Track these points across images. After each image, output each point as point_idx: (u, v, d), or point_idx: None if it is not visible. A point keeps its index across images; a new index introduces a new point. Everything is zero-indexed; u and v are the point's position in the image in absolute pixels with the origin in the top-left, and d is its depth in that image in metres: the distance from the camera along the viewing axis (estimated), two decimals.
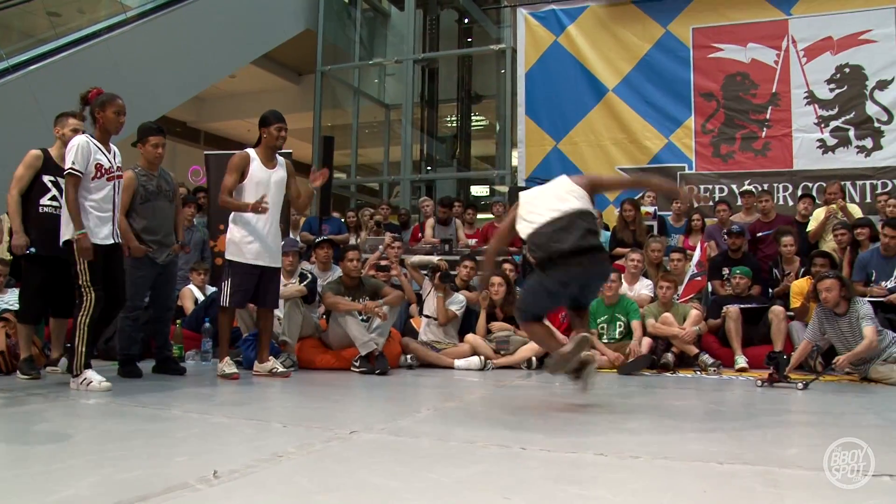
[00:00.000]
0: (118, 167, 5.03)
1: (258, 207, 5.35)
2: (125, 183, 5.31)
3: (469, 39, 17.05)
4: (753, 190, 9.68)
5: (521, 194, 4.48)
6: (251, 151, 5.60)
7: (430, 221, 10.17)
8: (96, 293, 4.78)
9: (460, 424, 3.79)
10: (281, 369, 5.67)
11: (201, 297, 7.65)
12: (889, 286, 7.00)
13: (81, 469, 2.58)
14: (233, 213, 5.57)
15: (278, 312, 6.35)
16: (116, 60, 10.53)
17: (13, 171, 5.31)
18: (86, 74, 9.80)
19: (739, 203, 9.29)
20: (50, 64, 9.89)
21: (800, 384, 5.40)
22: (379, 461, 2.79)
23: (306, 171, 15.46)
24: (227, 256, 5.56)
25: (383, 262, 8.20)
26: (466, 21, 16.94)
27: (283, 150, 5.96)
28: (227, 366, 5.49)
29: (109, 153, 4.98)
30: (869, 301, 6.57)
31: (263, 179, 5.53)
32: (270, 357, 5.75)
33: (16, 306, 5.76)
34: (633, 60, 11.82)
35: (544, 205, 4.21)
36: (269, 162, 5.62)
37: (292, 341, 6.29)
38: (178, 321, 6.83)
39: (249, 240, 5.48)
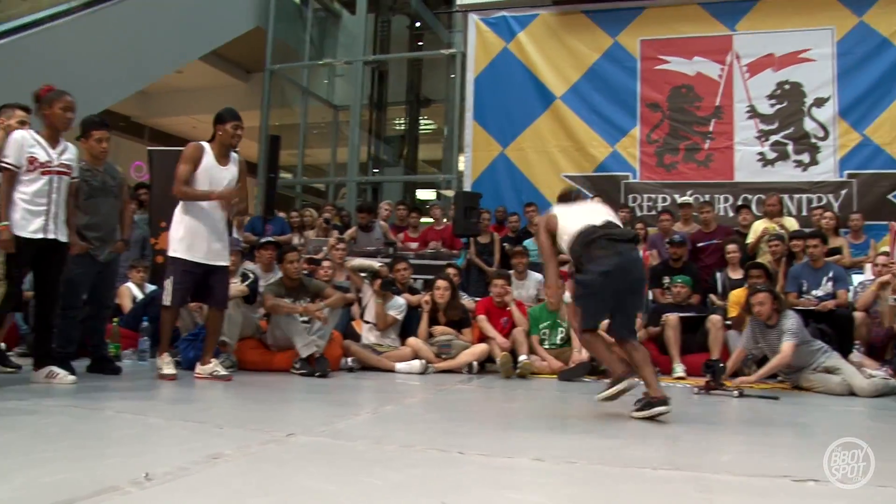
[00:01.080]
0: (62, 163, 4.90)
1: (225, 198, 5.32)
2: None
3: (419, 43, 17.09)
4: (692, 202, 9.91)
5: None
6: (205, 144, 5.45)
7: (351, 231, 9.98)
8: (7, 288, 4.69)
9: (399, 428, 3.79)
10: (222, 372, 5.51)
11: (140, 296, 7.51)
12: (819, 295, 7.21)
13: (7, 471, 2.50)
14: (179, 209, 5.41)
15: None
16: (59, 50, 10.29)
17: None
18: (27, 63, 9.59)
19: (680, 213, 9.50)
20: None
21: (735, 392, 5.52)
22: (316, 464, 2.77)
23: (252, 169, 15.36)
24: (170, 253, 5.39)
25: (317, 256, 8.16)
26: (417, 25, 16.97)
27: None
28: (166, 365, 5.34)
29: (55, 148, 4.88)
30: (802, 310, 6.79)
31: (216, 175, 5.40)
32: (212, 359, 5.62)
33: None
34: (581, 69, 11.97)
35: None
36: (223, 158, 5.48)
37: (232, 342, 6.19)
38: (116, 319, 6.69)
39: (194, 238, 5.35)
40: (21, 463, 2.62)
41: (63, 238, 4.96)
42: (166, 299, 5.39)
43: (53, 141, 4.89)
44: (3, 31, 10.08)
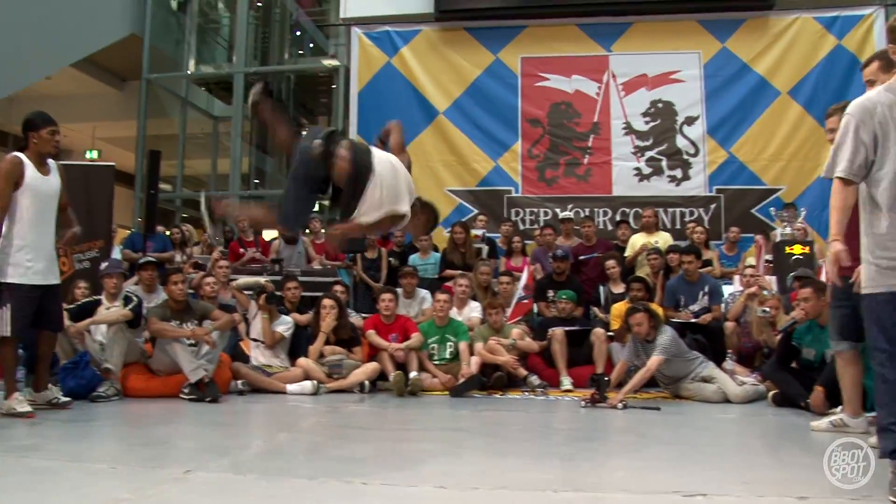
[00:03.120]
0: None
1: None
2: None
3: (301, 52, 16.90)
4: (572, 216, 10.28)
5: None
6: (22, 156, 4.99)
7: (276, 243, 9.78)
8: None
9: (299, 458, 3.75)
10: (63, 399, 5.14)
11: None
12: (695, 309, 7.58)
13: None
14: (6, 230, 4.94)
15: (100, 338, 5.99)
16: None
17: None
18: None
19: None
20: None
21: (619, 404, 5.73)
22: None
23: (129, 181, 14.80)
24: (4, 279, 4.90)
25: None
26: (298, 34, 16.78)
27: (105, 164, 5.58)
28: (18, 403, 4.87)
29: None
30: (679, 322, 7.13)
31: (41, 188, 5.02)
32: (50, 385, 5.24)
33: None
34: (463, 84, 12.16)
35: None
36: (43, 168, 5.06)
37: (116, 369, 5.93)
38: None
39: (29, 258, 4.94)
40: None
41: None
42: (4, 329, 4.89)
43: None
44: None
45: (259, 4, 15.83)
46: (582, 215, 10.69)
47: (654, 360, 6.12)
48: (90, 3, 12.91)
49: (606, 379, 6.20)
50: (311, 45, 16.35)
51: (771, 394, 6.03)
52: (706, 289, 7.65)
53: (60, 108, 16.52)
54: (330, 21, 14.96)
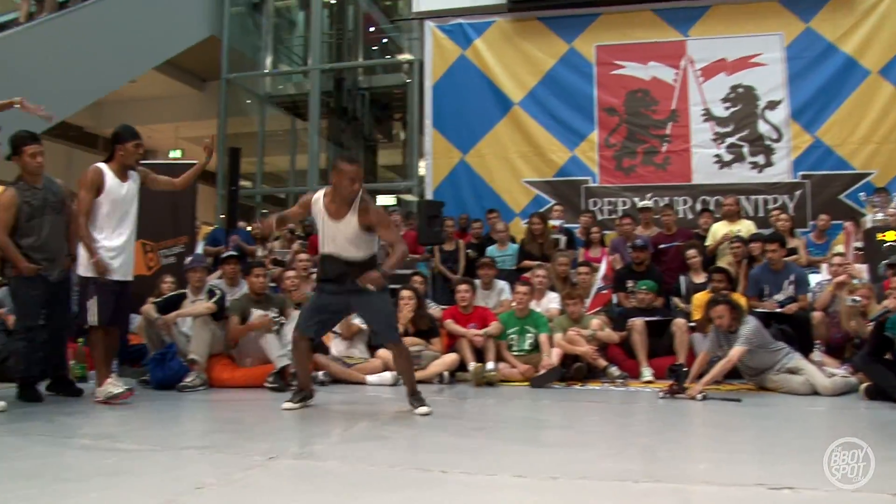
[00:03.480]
0: None
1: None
2: (5, 202, 5.13)
3: (374, 48, 17.06)
4: (652, 205, 10.09)
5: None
6: (103, 166, 5.27)
7: None
8: None
9: (379, 446, 3.79)
10: (115, 391, 5.16)
11: None
12: (780, 299, 7.34)
13: None
14: (89, 230, 5.22)
15: (186, 330, 6.18)
16: (10, 62, 10.06)
17: None
18: None
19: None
20: None
21: (699, 395, 5.61)
22: (303, 491, 2.76)
23: (211, 179, 15.20)
24: (89, 274, 5.15)
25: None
26: (373, 30, 16.94)
27: (188, 162, 5.79)
28: (113, 385, 5.13)
29: None
30: (764, 312, 6.93)
31: (121, 195, 5.28)
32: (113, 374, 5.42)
33: None
34: (538, 75, 12.06)
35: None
36: (123, 175, 5.33)
37: (202, 360, 6.12)
38: (81, 339, 6.56)
39: (112, 255, 5.21)
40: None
41: None
42: (93, 319, 5.16)
43: None
44: None
45: (332, 2, 16.05)
46: (661, 204, 10.50)
47: (736, 351, 5.96)
48: (170, 8, 13.32)
49: (685, 370, 6.09)
50: (385, 41, 16.49)
51: (863, 386, 5.79)
52: (791, 278, 7.39)
53: (145, 110, 17.19)
54: (402, 16, 15.04)
